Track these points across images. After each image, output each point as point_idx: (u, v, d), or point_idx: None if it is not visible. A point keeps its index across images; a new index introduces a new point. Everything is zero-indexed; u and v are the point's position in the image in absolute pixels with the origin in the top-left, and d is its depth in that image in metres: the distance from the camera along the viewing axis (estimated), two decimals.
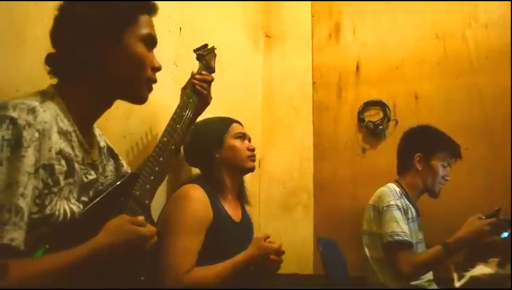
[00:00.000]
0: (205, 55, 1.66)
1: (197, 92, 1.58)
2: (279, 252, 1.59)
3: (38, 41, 1.43)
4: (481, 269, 1.70)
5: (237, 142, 1.82)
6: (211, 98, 1.68)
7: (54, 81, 1.12)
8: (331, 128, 3.05)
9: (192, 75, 1.62)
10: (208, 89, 1.64)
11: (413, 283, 2.05)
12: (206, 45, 1.72)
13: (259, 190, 3.07)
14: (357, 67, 3.07)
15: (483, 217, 1.99)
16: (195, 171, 1.94)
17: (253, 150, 1.84)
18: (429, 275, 2.13)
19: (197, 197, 1.62)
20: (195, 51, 1.67)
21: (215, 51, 1.78)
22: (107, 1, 1.08)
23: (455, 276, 1.73)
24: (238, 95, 2.74)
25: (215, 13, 2.60)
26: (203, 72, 1.64)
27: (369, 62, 3.06)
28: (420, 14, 2.97)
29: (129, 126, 1.74)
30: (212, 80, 1.68)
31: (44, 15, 1.46)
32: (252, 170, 1.85)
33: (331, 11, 3.25)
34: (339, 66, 3.13)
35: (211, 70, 1.68)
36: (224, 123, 1.86)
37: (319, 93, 3.14)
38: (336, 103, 3.08)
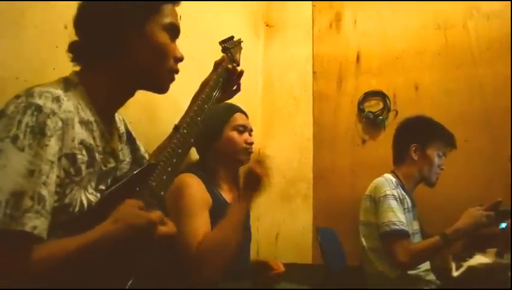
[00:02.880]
0: (231, 48, 1.58)
1: (227, 83, 1.49)
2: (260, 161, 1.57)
3: (37, 28, 1.43)
4: (479, 259, 1.71)
5: (235, 135, 1.80)
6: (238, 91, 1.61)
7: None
8: (331, 118, 3.05)
9: (224, 64, 1.50)
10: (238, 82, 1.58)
11: (410, 272, 2.05)
12: (232, 37, 1.65)
13: None
14: (358, 58, 3.07)
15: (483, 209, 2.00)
16: (192, 157, 1.93)
17: (250, 143, 1.83)
18: (426, 265, 2.14)
19: (193, 183, 1.63)
20: (220, 43, 1.59)
21: (241, 44, 1.69)
22: None
23: (453, 266, 1.74)
24: None
25: (215, 2, 2.59)
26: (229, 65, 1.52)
27: (369, 52, 3.05)
28: (421, 4, 2.96)
29: (128, 115, 1.73)
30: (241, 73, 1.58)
31: (43, 2, 1.45)
32: (245, 163, 1.84)
33: (332, 1, 3.24)
34: (339, 56, 3.13)
35: (236, 63, 1.60)
36: (228, 112, 1.84)
37: (319, 83, 3.14)
38: (336, 93, 3.07)
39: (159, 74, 1.13)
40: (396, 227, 2.00)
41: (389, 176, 2.21)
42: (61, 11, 1.48)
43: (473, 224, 1.97)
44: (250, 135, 1.86)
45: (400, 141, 2.32)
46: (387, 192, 2.10)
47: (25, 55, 1.38)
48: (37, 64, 1.42)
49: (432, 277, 2.12)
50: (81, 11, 1.07)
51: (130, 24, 1.05)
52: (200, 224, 1.52)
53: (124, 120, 1.28)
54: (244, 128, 1.84)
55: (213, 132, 1.78)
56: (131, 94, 1.15)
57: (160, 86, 1.15)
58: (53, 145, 0.88)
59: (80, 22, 1.07)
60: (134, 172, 1.06)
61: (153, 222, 0.91)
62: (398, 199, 2.09)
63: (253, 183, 1.53)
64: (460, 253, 1.94)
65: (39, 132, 0.86)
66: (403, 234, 2.01)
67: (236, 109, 1.87)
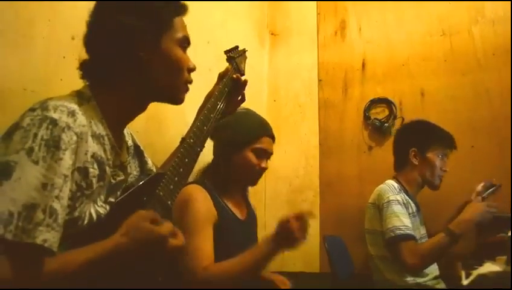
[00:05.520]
0: (236, 57, 1.57)
1: (233, 92, 1.46)
2: (300, 218, 1.47)
3: (44, 40, 1.44)
4: (489, 267, 1.70)
5: (253, 158, 1.75)
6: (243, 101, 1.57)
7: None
8: (336, 125, 3.05)
9: (229, 74, 1.48)
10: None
11: (419, 280, 2.04)
12: (237, 47, 1.64)
13: (265, 187, 3.07)
14: (363, 65, 3.06)
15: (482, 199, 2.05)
16: (200, 164, 1.92)
17: (264, 169, 1.78)
18: (435, 272, 2.13)
19: (199, 198, 1.62)
20: (226, 52, 1.59)
21: (246, 54, 1.68)
22: (141, 6, 1.06)
23: (463, 274, 1.73)
24: None
25: (220, 11, 2.60)
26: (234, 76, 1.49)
27: (374, 59, 3.05)
28: (426, 10, 2.95)
29: (136, 125, 1.73)
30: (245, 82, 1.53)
31: (50, 14, 1.47)
32: (252, 185, 1.84)
33: (337, 9, 3.24)
34: (344, 64, 3.12)
35: (241, 73, 1.58)
36: (256, 132, 1.78)
37: (325, 90, 3.14)
38: (341, 101, 3.07)
39: (176, 88, 1.14)
40: (401, 231, 2.00)
41: (391, 182, 2.21)
42: (69, 22, 1.50)
43: (473, 213, 1.98)
44: (268, 160, 1.81)
45: (399, 147, 2.33)
46: (391, 198, 2.09)
47: (32, 66, 1.39)
48: (44, 75, 1.43)
49: (442, 285, 2.11)
50: (92, 30, 1.07)
51: (145, 43, 1.05)
52: (204, 243, 1.53)
53: (131, 134, 1.28)
54: (264, 154, 1.78)
55: (234, 145, 1.75)
56: (144, 109, 1.16)
57: (177, 98, 1.16)
58: (67, 159, 0.89)
59: (91, 41, 1.07)
60: (141, 182, 1.07)
61: (163, 237, 0.92)
62: (402, 204, 2.09)
63: (284, 240, 1.47)
64: (470, 261, 1.92)
65: (53, 146, 0.87)
66: (409, 238, 2.00)
67: (266, 132, 1.81)
